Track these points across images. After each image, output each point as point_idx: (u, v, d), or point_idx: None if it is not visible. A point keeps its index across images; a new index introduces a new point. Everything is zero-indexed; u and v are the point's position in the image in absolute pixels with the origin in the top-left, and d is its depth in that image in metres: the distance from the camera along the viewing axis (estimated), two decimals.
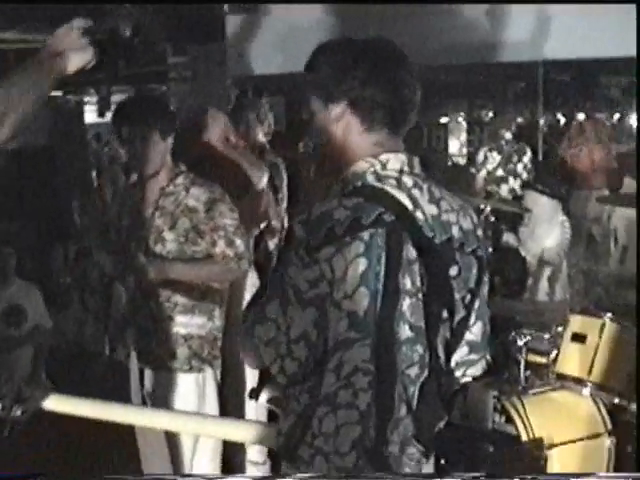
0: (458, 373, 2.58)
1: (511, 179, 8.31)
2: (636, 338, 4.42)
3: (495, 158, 8.48)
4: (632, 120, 10.74)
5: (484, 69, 8.48)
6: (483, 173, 8.42)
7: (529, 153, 8.46)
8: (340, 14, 7.32)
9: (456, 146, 12.82)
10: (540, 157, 8.01)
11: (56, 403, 2.86)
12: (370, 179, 2.39)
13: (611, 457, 4.37)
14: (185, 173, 4.45)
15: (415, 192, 2.39)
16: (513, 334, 4.72)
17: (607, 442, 4.37)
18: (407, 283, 2.28)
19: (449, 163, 12.13)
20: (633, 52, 6.30)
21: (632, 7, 6.02)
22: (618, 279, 6.78)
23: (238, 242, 4.33)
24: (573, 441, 4.34)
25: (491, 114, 11.12)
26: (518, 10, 6.92)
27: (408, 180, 2.40)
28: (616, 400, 4.50)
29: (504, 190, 8.13)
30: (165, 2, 7.43)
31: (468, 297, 2.47)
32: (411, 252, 2.29)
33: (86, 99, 11.60)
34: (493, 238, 5.94)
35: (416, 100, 2.46)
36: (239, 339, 2.47)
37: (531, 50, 7.04)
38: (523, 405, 4.36)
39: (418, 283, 2.30)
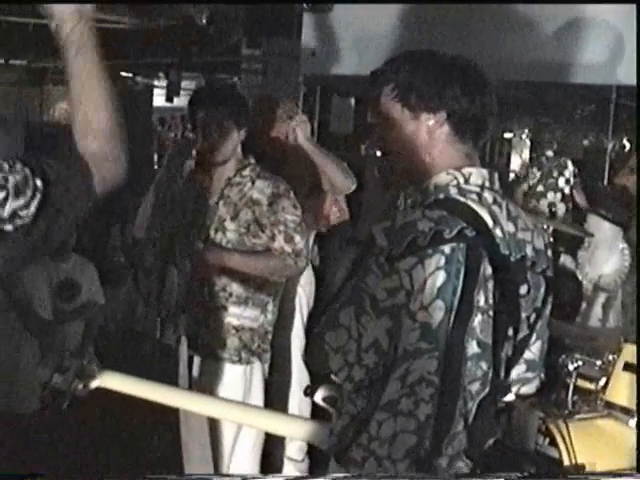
0: (513, 389, 2.59)
1: (550, 193, 8.37)
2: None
3: (535, 174, 8.56)
4: None
5: (554, 88, 8.41)
6: (524, 187, 8.51)
7: (570, 167, 8.53)
8: (415, 23, 7.32)
9: (517, 162, 12.79)
10: (606, 182, 7.95)
11: (112, 381, 2.89)
12: (453, 192, 2.40)
13: None
14: (253, 165, 4.48)
15: (495, 208, 2.40)
16: (564, 357, 4.70)
17: None
18: (481, 300, 2.29)
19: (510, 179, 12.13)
20: None
21: None
22: None
23: (297, 239, 4.34)
24: (615, 471, 4.29)
25: (558, 133, 11.08)
26: (595, 32, 6.87)
27: (489, 196, 2.42)
28: None
29: (543, 205, 8.21)
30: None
31: (533, 316, 2.49)
32: (488, 269, 2.30)
33: (155, 83, 11.68)
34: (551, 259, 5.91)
35: (495, 113, 2.49)
36: (308, 344, 2.50)
37: (604, 73, 6.98)
38: (568, 429, 4.32)
39: (490, 300, 2.31)
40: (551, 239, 5.73)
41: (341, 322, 2.35)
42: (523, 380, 2.62)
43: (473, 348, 2.29)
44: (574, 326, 5.61)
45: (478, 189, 2.41)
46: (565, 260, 6.19)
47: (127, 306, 6.76)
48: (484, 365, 2.32)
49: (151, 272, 6.38)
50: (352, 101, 8.62)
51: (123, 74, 12.07)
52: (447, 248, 2.26)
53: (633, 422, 4.45)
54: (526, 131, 12.42)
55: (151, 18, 9.40)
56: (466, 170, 2.43)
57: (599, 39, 6.88)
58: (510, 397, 2.62)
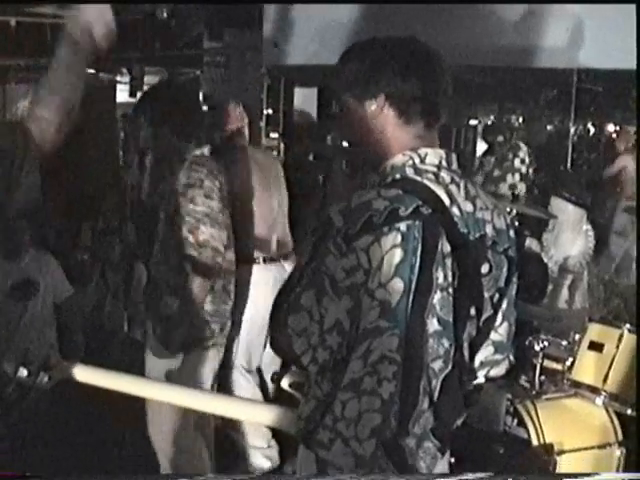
0: (482, 372, 2.61)
1: (509, 176, 8.53)
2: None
3: (490, 160, 8.74)
4: None
5: (517, 73, 8.46)
6: (480, 178, 8.69)
7: (524, 148, 8.67)
8: (377, 11, 7.32)
9: (484, 148, 12.83)
10: (569, 165, 8.00)
11: (81, 373, 2.88)
12: (409, 172, 2.42)
13: (620, 467, 4.37)
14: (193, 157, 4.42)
15: (452, 188, 2.42)
16: (530, 339, 4.74)
17: (617, 452, 4.37)
18: (440, 277, 2.31)
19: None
20: None
21: None
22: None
23: (203, 229, 4.24)
24: (583, 449, 4.34)
25: (521, 119, 11.14)
26: (555, 16, 6.90)
27: (446, 175, 2.44)
28: (629, 411, 4.50)
29: (504, 188, 8.38)
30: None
31: (497, 296, 2.51)
32: (446, 246, 2.33)
33: (118, 78, 11.64)
34: (516, 242, 5.95)
35: (449, 94, 2.49)
36: (269, 330, 2.49)
37: (566, 57, 7.01)
38: (536, 410, 4.37)
39: (450, 278, 2.34)
40: (516, 222, 5.75)
41: (303, 305, 2.35)
42: (492, 362, 2.62)
43: (434, 325, 2.31)
44: (542, 308, 5.64)
45: (435, 169, 2.44)
46: (531, 243, 6.22)
47: (96, 302, 6.77)
48: (446, 343, 2.34)
49: (119, 268, 6.40)
50: (315, 91, 8.62)
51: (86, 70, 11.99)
52: (403, 225, 2.28)
53: (599, 400, 4.50)
54: (492, 117, 12.48)
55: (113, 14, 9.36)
56: (422, 150, 2.45)
57: (559, 23, 6.90)
58: (480, 380, 2.63)
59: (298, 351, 2.38)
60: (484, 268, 2.45)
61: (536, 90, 9.90)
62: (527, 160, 8.47)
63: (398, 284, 2.27)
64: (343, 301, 2.31)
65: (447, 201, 2.38)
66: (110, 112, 11.24)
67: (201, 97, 8.48)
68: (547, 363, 4.80)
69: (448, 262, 2.33)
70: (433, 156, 2.45)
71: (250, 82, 8.41)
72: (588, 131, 11.11)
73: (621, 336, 4.55)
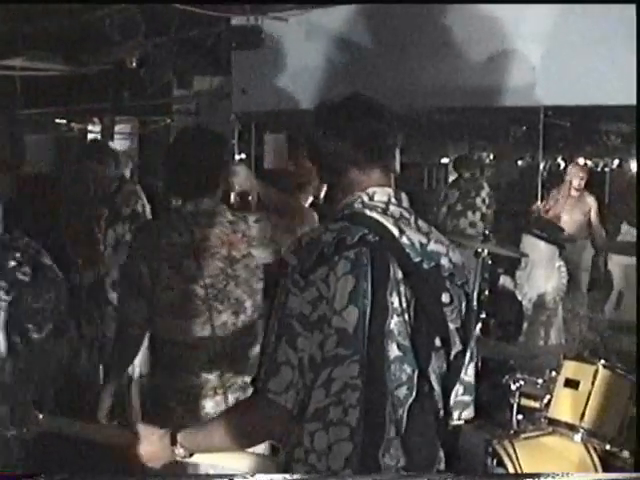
0: (455, 414, 2.63)
1: (470, 213, 8.66)
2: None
3: (455, 194, 8.88)
4: (632, 166, 10.80)
5: (487, 112, 8.53)
6: (444, 209, 8.83)
7: (486, 188, 8.81)
8: (346, 55, 7.39)
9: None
10: (539, 202, 8.06)
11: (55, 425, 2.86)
12: (357, 207, 2.54)
13: None
14: None
15: (401, 222, 2.52)
16: (506, 378, 4.75)
17: None
18: (395, 302, 2.39)
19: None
20: (633, 100, 6.37)
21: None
22: (614, 325, 6.80)
23: None
24: None
25: (492, 156, 11.20)
26: (520, 56, 6.98)
27: (395, 211, 2.55)
28: (607, 447, 4.50)
29: (464, 223, 8.53)
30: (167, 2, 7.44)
31: (462, 330, 2.53)
32: (398, 272, 2.42)
33: (90, 128, 11.66)
34: (490, 281, 5.98)
35: (395, 142, 2.64)
36: (257, 411, 2.47)
37: (533, 95, 7.09)
38: (514, 449, 4.37)
39: (404, 304, 2.41)
40: (489, 261, 5.78)
41: (279, 361, 2.39)
42: (461, 404, 2.64)
43: (394, 351, 2.38)
44: (517, 346, 5.67)
45: (383, 205, 2.54)
46: (504, 281, 6.26)
47: (71, 353, 6.71)
48: (408, 369, 2.40)
49: (92, 319, 6.36)
50: (283, 137, 8.65)
51: (57, 121, 12.04)
52: (351, 253, 2.38)
53: (577, 437, 4.50)
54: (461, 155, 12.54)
55: (82, 64, 9.41)
56: (370, 190, 2.56)
57: (524, 62, 6.98)
58: (455, 422, 2.64)
59: (290, 405, 2.39)
60: (445, 297, 2.51)
61: (505, 128, 9.98)
62: (487, 200, 8.64)
63: (353, 311, 2.34)
64: (315, 335, 2.36)
65: (396, 232, 2.47)
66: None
67: None
68: (524, 402, 4.80)
69: (402, 288, 2.41)
70: (381, 194, 2.56)
71: (221, 129, 8.43)
72: (558, 166, 11.16)
73: (596, 372, 4.56)
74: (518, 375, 4.76)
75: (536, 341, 6.23)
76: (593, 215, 8.38)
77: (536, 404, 4.81)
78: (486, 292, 5.78)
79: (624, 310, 7.00)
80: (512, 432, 4.58)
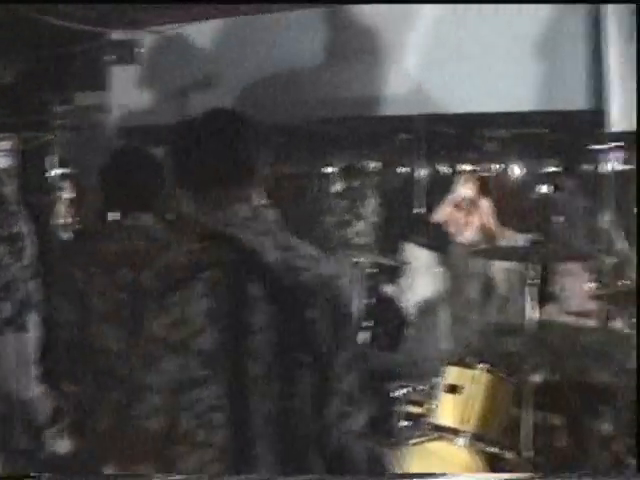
0: (336, 427, 2.62)
1: (355, 222, 8.74)
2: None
3: (341, 204, 8.93)
4: (515, 172, 10.99)
5: (370, 121, 8.59)
6: (331, 219, 8.87)
7: (374, 198, 8.89)
8: (224, 69, 7.38)
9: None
10: (420, 209, 8.14)
11: None
12: (215, 226, 2.55)
13: None
14: None
15: (260, 239, 2.52)
16: (391, 386, 4.80)
17: None
18: (255, 320, 2.39)
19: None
20: (516, 107, 6.52)
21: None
22: (497, 328, 6.90)
23: None
24: None
25: (375, 164, 11.28)
26: (403, 65, 7.06)
27: (258, 227, 2.56)
28: (492, 449, 4.59)
29: (351, 233, 8.58)
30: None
31: (329, 345, 2.53)
32: (256, 290, 2.40)
33: None
34: (373, 289, 6.03)
35: (261, 155, 2.67)
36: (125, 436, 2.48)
37: (415, 103, 7.18)
38: (401, 456, 4.42)
39: (266, 321, 2.40)
40: (373, 270, 5.83)
41: (144, 386, 2.40)
42: (345, 414, 2.64)
43: (256, 369, 2.38)
44: (401, 354, 5.73)
45: (245, 221, 2.55)
46: (387, 289, 6.32)
47: None
48: (274, 387, 2.41)
49: None
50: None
51: None
52: (207, 274, 2.40)
53: (462, 441, 4.58)
54: (347, 164, 12.61)
55: None
56: (229, 208, 2.57)
57: (406, 71, 7.06)
58: (338, 433, 2.64)
59: (158, 429, 2.39)
60: (311, 314, 2.49)
61: (387, 137, 10.07)
62: (375, 210, 8.70)
63: (211, 331, 2.37)
64: (177, 358, 2.39)
65: (258, 249, 2.47)
66: None
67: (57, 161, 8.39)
68: (410, 408, 4.87)
69: (263, 306, 2.41)
70: (245, 210, 2.58)
71: (104, 144, 8.35)
72: (438, 172, 11.29)
73: (477, 376, 4.66)
74: (402, 382, 4.82)
75: (419, 348, 6.29)
76: (485, 220, 8.48)
77: (421, 410, 4.89)
78: (370, 301, 5.83)
79: (507, 314, 7.10)
80: (397, 440, 4.63)
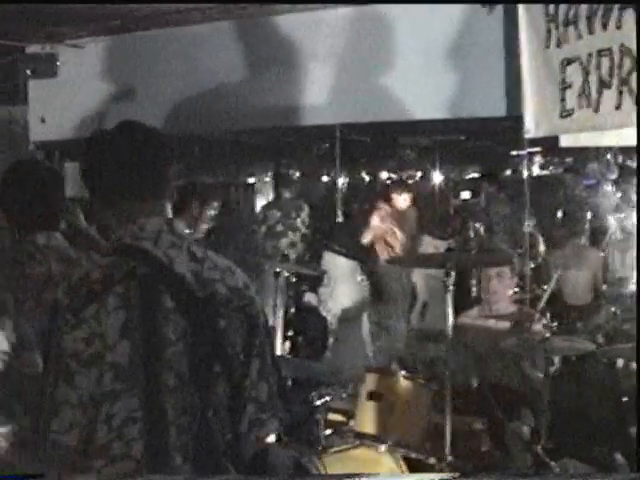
0: (252, 434, 2.63)
1: (290, 233, 8.73)
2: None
3: (276, 214, 8.91)
4: (434, 177, 11.17)
5: (288, 131, 8.63)
6: (263, 229, 8.84)
7: (306, 209, 8.90)
8: (142, 82, 7.36)
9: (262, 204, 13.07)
10: (340, 218, 8.20)
11: None
12: (127, 240, 2.54)
13: None
14: None
15: (172, 251, 2.53)
16: (312, 394, 4.80)
17: None
18: (168, 332, 2.41)
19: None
20: (432, 115, 6.56)
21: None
22: (419, 334, 6.97)
23: None
24: None
25: (298, 173, 11.35)
26: (318, 74, 7.07)
27: (166, 240, 2.54)
28: (413, 455, 4.63)
29: (284, 244, 8.55)
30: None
31: (242, 355, 2.54)
32: (169, 302, 2.43)
33: None
34: (294, 299, 6.05)
35: (169, 169, 2.67)
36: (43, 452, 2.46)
37: (330, 112, 7.20)
38: (323, 464, 4.42)
39: (178, 333, 2.42)
40: (293, 279, 5.85)
41: (59, 401, 2.38)
42: (257, 422, 2.65)
43: (172, 380, 2.39)
44: (323, 362, 5.75)
45: (154, 235, 2.54)
46: (309, 298, 6.34)
47: None
48: (188, 397, 2.41)
49: None
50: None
51: None
52: (120, 288, 2.41)
53: (384, 447, 4.60)
54: (269, 174, 12.67)
55: None
56: (140, 221, 2.56)
57: (321, 81, 7.08)
58: (254, 441, 2.65)
59: (74, 443, 2.38)
60: (221, 324, 2.51)
61: (308, 146, 10.14)
62: (307, 221, 8.69)
63: (126, 345, 2.37)
64: (92, 372, 2.36)
65: (167, 262, 2.49)
66: None
67: None
68: (331, 416, 4.88)
69: (175, 318, 2.42)
70: (152, 225, 2.56)
71: (20, 158, 8.24)
72: (363, 180, 11.40)
73: (396, 383, 4.69)
74: (324, 390, 4.82)
75: (341, 355, 6.33)
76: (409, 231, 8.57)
77: (343, 418, 4.91)
78: (291, 310, 5.85)
79: (428, 320, 7.18)
80: (320, 447, 4.64)
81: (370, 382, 4.79)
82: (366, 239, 7.87)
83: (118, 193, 2.59)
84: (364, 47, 6.82)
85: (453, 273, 4.51)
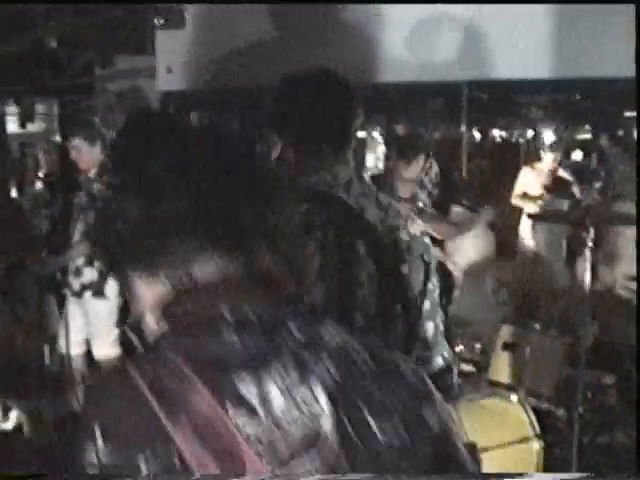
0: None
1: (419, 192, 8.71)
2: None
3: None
4: (547, 137, 11.10)
5: (403, 87, 8.65)
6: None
7: (436, 168, 8.86)
8: (274, 33, 7.44)
9: (372, 159, 13.09)
10: (464, 174, 8.22)
11: None
12: (322, 188, 2.63)
13: (540, 460, 4.55)
14: None
15: (362, 199, 2.64)
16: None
17: (536, 446, 4.55)
18: (360, 276, 2.52)
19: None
20: (549, 74, 6.57)
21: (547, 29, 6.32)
22: (549, 291, 6.96)
23: None
24: (503, 445, 4.51)
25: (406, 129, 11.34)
26: (445, 30, 7.09)
27: (356, 188, 2.65)
28: (544, 405, 4.71)
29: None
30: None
31: (419, 298, 2.67)
32: (362, 249, 2.54)
33: (8, 109, 11.50)
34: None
35: (356, 121, 2.71)
36: None
37: (454, 70, 7.21)
38: (456, 411, 4.53)
39: (369, 277, 2.54)
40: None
41: None
42: (424, 358, 2.76)
43: (360, 322, 2.51)
44: (450, 314, 5.81)
45: (346, 184, 2.64)
46: (435, 252, 6.38)
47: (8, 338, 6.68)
48: (373, 337, 2.53)
49: (29, 302, 6.37)
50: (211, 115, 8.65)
51: None
52: (319, 234, 2.49)
53: (515, 397, 4.69)
54: (378, 129, 12.71)
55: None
56: (334, 168, 2.65)
57: (449, 37, 7.09)
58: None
59: None
60: (404, 269, 2.63)
61: (423, 102, 10.14)
62: (435, 179, 8.68)
63: (321, 287, 2.47)
64: None
65: (358, 209, 2.59)
66: (2, 143, 11.10)
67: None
68: (464, 366, 4.98)
69: (366, 263, 2.53)
70: (344, 173, 2.65)
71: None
72: (473, 137, 11.37)
73: (531, 336, 4.76)
74: (457, 340, 4.93)
75: (472, 308, 6.40)
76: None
77: (475, 368, 5.01)
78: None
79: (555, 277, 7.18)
80: (453, 395, 4.73)
81: (505, 333, 4.88)
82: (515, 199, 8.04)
83: (312, 141, 2.67)
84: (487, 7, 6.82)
85: (592, 229, 4.54)
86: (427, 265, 2.73)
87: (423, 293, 2.71)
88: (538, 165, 8.59)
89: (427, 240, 2.79)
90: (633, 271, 5.69)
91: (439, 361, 2.81)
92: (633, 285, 5.68)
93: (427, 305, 2.74)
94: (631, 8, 5.19)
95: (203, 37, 7.78)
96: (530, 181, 8.41)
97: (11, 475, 2.15)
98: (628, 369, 5.11)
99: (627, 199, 6.46)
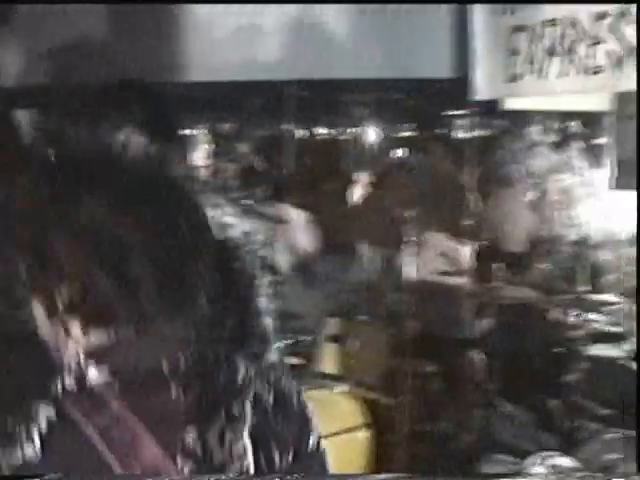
0: None
1: None
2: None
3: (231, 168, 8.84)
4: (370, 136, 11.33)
5: (228, 86, 8.66)
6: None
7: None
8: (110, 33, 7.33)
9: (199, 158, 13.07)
10: (291, 170, 8.29)
11: None
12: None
13: (369, 448, 4.64)
14: None
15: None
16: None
17: (365, 434, 4.65)
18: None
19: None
20: (374, 74, 6.67)
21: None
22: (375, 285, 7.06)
23: None
24: (331, 435, 4.58)
25: (230, 127, 11.34)
26: (268, 31, 7.11)
27: None
28: (372, 395, 4.81)
29: None
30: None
31: (252, 293, 2.71)
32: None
33: None
34: None
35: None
36: None
37: (279, 69, 7.24)
38: None
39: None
40: None
41: None
42: (258, 354, 2.80)
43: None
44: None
45: None
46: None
47: None
48: None
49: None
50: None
51: None
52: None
53: (342, 388, 4.78)
54: (204, 127, 12.67)
55: None
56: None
57: (275, 37, 7.11)
58: None
59: None
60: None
61: (246, 100, 10.16)
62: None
63: None
64: None
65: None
66: None
67: None
68: (292, 359, 5.04)
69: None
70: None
71: None
72: (293, 135, 11.51)
73: (357, 327, 4.87)
74: (284, 334, 4.97)
75: (297, 302, 6.47)
76: None
77: (302, 360, 5.07)
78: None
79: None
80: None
81: (331, 326, 4.96)
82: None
83: None
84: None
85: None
86: (258, 261, 2.79)
87: (256, 289, 2.76)
88: None
89: (258, 236, 2.84)
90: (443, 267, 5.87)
91: (272, 356, 2.87)
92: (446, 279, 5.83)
93: (260, 301, 2.79)
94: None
95: (31, 33, 7.60)
96: None
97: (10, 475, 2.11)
98: (450, 358, 5.29)
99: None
